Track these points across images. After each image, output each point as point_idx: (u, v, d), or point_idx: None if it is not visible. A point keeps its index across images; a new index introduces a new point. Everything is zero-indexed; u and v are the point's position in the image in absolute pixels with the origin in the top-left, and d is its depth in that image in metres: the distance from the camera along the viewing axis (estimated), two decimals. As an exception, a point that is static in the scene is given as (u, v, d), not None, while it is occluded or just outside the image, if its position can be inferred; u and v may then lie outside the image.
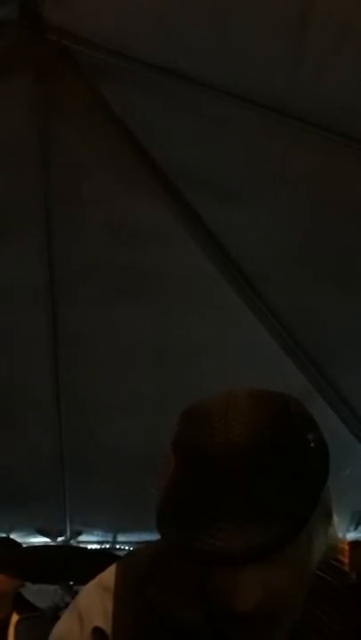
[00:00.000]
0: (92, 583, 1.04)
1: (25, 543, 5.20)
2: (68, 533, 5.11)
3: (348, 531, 4.16)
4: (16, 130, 2.83)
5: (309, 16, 2.14)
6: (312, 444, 0.83)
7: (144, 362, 3.70)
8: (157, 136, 2.83)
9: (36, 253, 3.28)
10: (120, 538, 5.11)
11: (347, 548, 0.95)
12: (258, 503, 0.78)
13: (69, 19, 2.50)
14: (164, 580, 0.93)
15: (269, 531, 0.77)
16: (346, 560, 0.95)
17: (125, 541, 5.16)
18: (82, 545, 5.22)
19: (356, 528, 4.19)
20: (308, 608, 0.89)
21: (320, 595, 0.89)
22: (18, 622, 3.06)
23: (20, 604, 3.19)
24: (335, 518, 0.89)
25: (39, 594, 4.53)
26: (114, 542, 5.13)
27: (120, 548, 5.15)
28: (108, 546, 5.16)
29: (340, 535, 0.92)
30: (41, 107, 2.75)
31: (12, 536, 4.97)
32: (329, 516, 0.88)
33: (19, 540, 5.10)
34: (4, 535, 4.64)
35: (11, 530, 5.02)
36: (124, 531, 5.06)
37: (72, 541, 5.17)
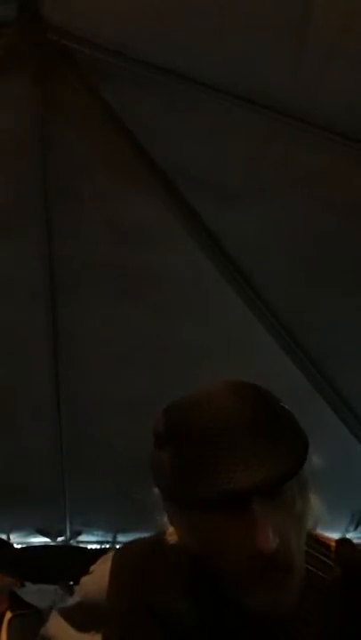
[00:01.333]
0: (85, 579, 1.05)
1: (25, 543, 5.21)
2: (68, 533, 5.11)
3: (348, 531, 4.16)
4: (16, 130, 2.83)
5: (309, 16, 2.14)
6: (287, 407, 0.94)
7: (144, 362, 3.70)
8: (157, 136, 2.83)
9: (36, 253, 3.28)
10: (120, 538, 5.11)
11: (333, 544, 0.99)
12: (256, 446, 0.86)
13: (69, 19, 2.50)
14: (157, 575, 0.95)
15: (272, 468, 0.85)
16: (332, 555, 0.99)
17: (125, 541, 5.16)
18: (82, 545, 5.22)
19: (356, 528, 4.19)
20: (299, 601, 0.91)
21: (307, 585, 0.91)
22: (11, 619, 3.08)
23: (15, 602, 3.21)
24: (314, 501, 0.95)
25: (39, 594, 4.53)
26: (114, 542, 5.13)
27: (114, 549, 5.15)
28: (108, 546, 5.16)
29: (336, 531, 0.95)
30: (41, 107, 2.75)
31: (11, 536, 4.97)
32: (308, 494, 0.94)
33: (18, 539, 5.12)
34: (4, 535, 4.65)
35: (11, 530, 5.02)
36: (124, 531, 5.06)
37: (72, 541, 5.17)
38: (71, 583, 5.35)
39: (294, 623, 0.91)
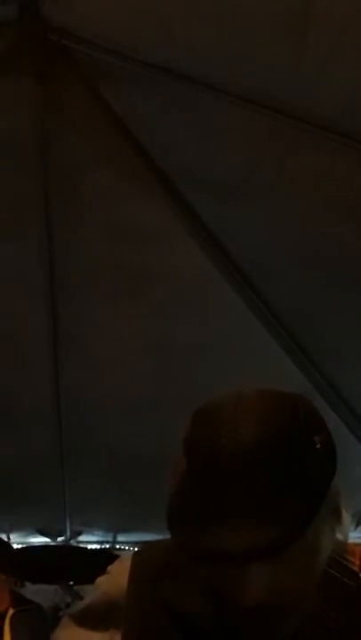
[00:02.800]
0: (102, 578, 1.05)
1: (25, 543, 5.22)
2: (68, 533, 5.11)
3: (349, 530, 4.16)
4: (16, 130, 2.83)
5: (309, 16, 2.14)
6: (318, 446, 0.85)
7: (144, 362, 3.70)
8: (157, 136, 2.83)
9: (36, 253, 3.28)
10: (120, 538, 5.11)
11: (358, 550, 0.97)
12: (262, 503, 0.80)
13: (69, 19, 2.50)
14: (177, 576, 0.95)
15: (273, 530, 0.79)
16: (357, 561, 0.98)
17: (125, 541, 5.17)
18: (82, 545, 5.23)
19: (356, 528, 4.19)
20: (318, 605, 0.91)
21: (329, 592, 0.91)
22: (13, 615, 3.11)
23: (17, 599, 3.24)
24: (345, 516, 0.91)
25: (39, 594, 4.53)
26: (114, 542, 5.14)
27: (120, 548, 5.15)
28: (108, 546, 5.17)
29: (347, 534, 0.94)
30: (41, 107, 2.74)
31: (11, 536, 4.98)
32: (337, 515, 0.90)
33: (18, 539, 5.12)
34: (4, 535, 4.65)
35: (11, 530, 5.02)
36: (124, 531, 5.06)
37: (72, 541, 5.17)
38: (71, 583, 5.36)
39: (314, 627, 0.90)
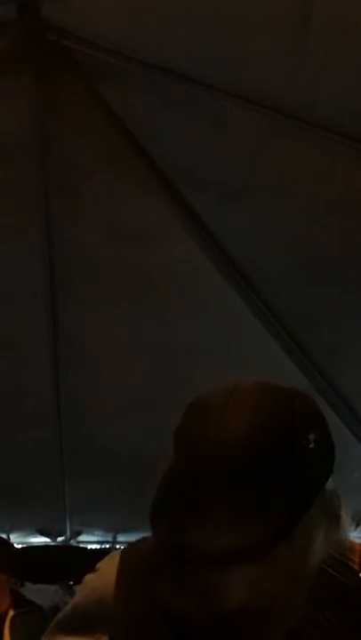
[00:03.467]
0: (90, 576, 1.04)
1: (25, 543, 5.21)
2: (68, 533, 5.11)
3: (349, 532, 4.16)
4: (16, 130, 2.83)
5: (309, 16, 2.14)
6: (311, 445, 0.81)
7: (144, 362, 3.70)
8: (157, 136, 2.83)
9: (36, 253, 3.28)
10: (120, 538, 5.11)
11: (358, 547, 0.95)
12: (243, 502, 0.76)
13: (69, 19, 2.50)
14: (164, 574, 0.93)
15: (253, 533, 0.75)
16: (357, 559, 0.95)
17: (125, 541, 5.16)
18: (82, 545, 5.23)
19: (356, 528, 4.19)
20: (312, 604, 0.88)
21: (326, 591, 0.89)
22: (13, 617, 3.10)
23: (17, 600, 3.23)
24: (345, 517, 0.88)
25: (39, 594, 4.53)
26: (114, 542, 5.13)
27: (120, 548, 5.15)
28: (108, 546, 5.16)
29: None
30: (41, 107, 2.75)
31: (11, 536, 4.97)
32: (333, 517, 0.86)
33: (18, 539, 5.12)
34: (4, 535, 4.65)
35: (11, 530, 5.02)
36: (124, 531, 5.06)
37: (72, 541, 5.17)
38: (71, 583, 5.36)
39: (307, 627, 0.88)
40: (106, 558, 1.05)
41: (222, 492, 0.77)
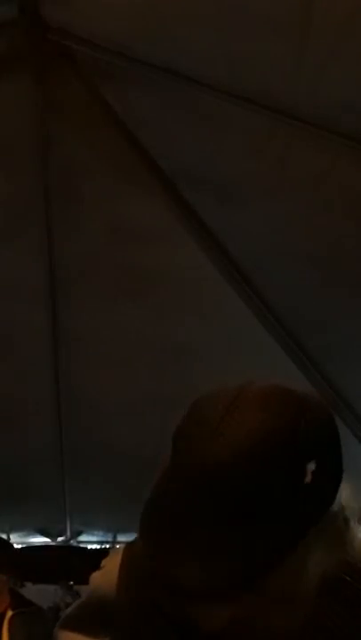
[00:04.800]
0: (95, 574, 1.04)
1: (25, 543, 5.22)
2: (68, 533, 5.12)
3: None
4: (16, 130, 2.83)
5: (309, 16, 2.14)
6: (307, 479, 0.73)
7: (144, 362, 3.70)
8: (157, 136, 2.83)
9: (36, 253, 3.28)
10: (120, 538, 5.12)
11: None
12: (224, 540, 0.71)
13: (69, 19, 2.50)
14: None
15: (234, 571, 0.70)
16: None
17: (125, 541, 5.15)
18: (82, 545, 5.23)
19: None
20: (324, 610, 0.85)
21: (337, 597, 0.85)
22: (12, 617, 3.09)
23: (15, 600, 3.22)
24: (353, 535, 0.81)
25: (39, 594, 4.54)
26: (114, 542, 5.14)
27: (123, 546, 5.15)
28: (108, 546, 5.17)
29: None
30: (41, 107, 2.75)
31: (11, 536, 4.98)
32: (337, 539, 0.80)
33: (18, 539, 5.12)
34: (4, 535, 4.65)
35: (11, 530, 5.03)
36: (124, 531, 5.06)
37: (72, 541, 5.17)
38: (71, 583, 5.37)
39: (312, 630, 0.84)
40: (110, 555, 1.04)
41: (204, 525, 0.71)
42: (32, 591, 4.61)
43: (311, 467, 0.73)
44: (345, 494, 0.80)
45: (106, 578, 1.00)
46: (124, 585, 0.96)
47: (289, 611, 0.79)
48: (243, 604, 0.73)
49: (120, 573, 0.97)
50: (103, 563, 1.05)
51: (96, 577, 1.04)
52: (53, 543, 5.20)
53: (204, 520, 0.71)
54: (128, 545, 1.01)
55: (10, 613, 3.12)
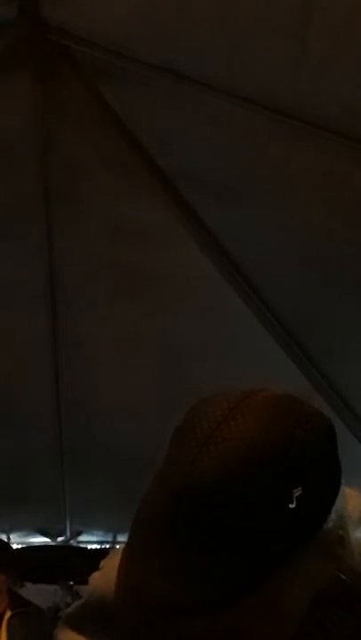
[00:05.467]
0: (95, 574, 1.04)
1: (25, 543, 5.22)
2: (68, 533, 5.12)
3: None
4: (16, 130, 2.83)
5: (309, 16, 2.14)
6: (292, 505, 0.70)
7: (144, 362, 3.70)
8: (157, 136, 2.83)
9: (36, 253, 3.28)
10: (120, 538, 5.11)
11: None
12: (195, 559, 0.69)
13: (69, 19, 2.50)
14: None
15: (201, 592, 0.69)
16: None
17: (125, 542, 5.15)
18: (82, 545, 5.23)
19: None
20: (318, 622, 0.84)
21: (332, 609, 0.84)
22: (10, 618, 3.08)
23: (14, 600, 3.22)
24: (348, 553, 0.79)
25: (39, 594, 4.53)
26: (114, 542, 5.14)
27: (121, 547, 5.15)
28: (108, 546, 5.17)
29: None
30: (41, 107, 2.75)
31: (11, 536, 4.98)
32: (330, 552, 0.77)
33: (18, 539, 5.12)
34: (4, 535, 4.65)
35: (11, 530, 5.03)
36: (124, 531, 5.02)
37: (72, 541, 5.17)
38: (71, 583, 5.36)
39: (312, 632, 0.84)
40: (109, 555, 1.04)
41: (177, 542, 0.69)
42: (32, 591, 4.60)
43: (297, 492, 0.70)
44: (346, 503, 0.78)
45: (105, 578, 1.00)
46: (122, 585, 0.96)
47: (276, 621, 0.76)
48: (218, 618, 0.71)
49: (118, 574, 0.97)
50: (102, 563, 1.05)
51: (95, 578, 1.04)
52: (53, 543, 5.20)
53: (178, 536, 0.69)
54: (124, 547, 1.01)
55: (9, 614, 3.11)
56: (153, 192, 3.00)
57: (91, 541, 5.25)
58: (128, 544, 0.77)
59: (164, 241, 3.19)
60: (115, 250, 3.24)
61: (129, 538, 0.77)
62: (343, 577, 0.81)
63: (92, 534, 5.20)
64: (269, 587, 0.70)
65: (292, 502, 0.70)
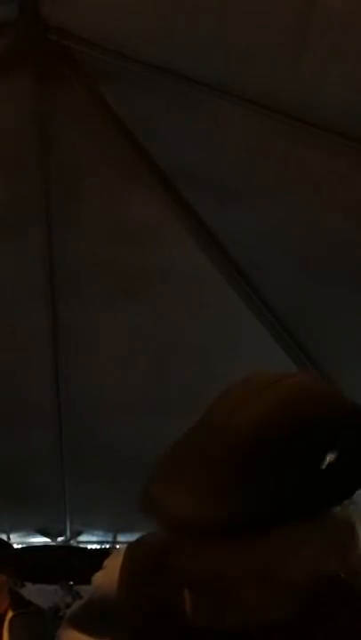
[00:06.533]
0: (98, 574, 1.04)
1: (25, 543, 5.22)
2: (68, 533, 5.12)
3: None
4: (16, 130, 2.83)
5: (309, 16, 2.14)
6: (323, 465, 0.77)
7: (144, 362, 3.70)
8: (157, 136, 2.83)
9: (36, 253, 3.28)
10: (120, 538, 5.12)
11: None
12: (219, 481, 0.77)
13: (69, 19, 2.50)
14: (169, 570, 0.92)
15: (218, 511, 0.76)
16: None
17: (125, 541, 5.16)
18: (82, 545, 5.23)
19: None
20: (324, 611, 0.85)
21: (340, 599, 0.85)
22: (12, 618, 3.09)
23: (16, 600, 3.22)
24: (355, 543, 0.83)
25: (39, 594, 4.54)
26: (114, 542, 5.14)
27: (123, 546, 5.15)
28: (108, 546, 5.17)
29: None
30: (41, 107, 2.74)
31: (11, 536, 4.98)
32: (336, 539, 0.83)
33: (18, 539, 5.12)
34: (4, 535, 4.65)
35: (11, 530, 5.03)
36: (124, 531, 5.06)
37: (72, 541, 5.17)
38: (71, 583, 5.37)
39: (313, 630, 0.85)
40: (112, 555, 1.05)
41: (206, 463, 0.78)
42: (32, 591, 4.61)
43: (331, 456, 0.77)
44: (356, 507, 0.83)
45: (108, 578, 1.01)
46: (126, 584, 0.96)
47: (266, 589, 0.81)
48: (236, 547, 0.78)
49: (121, 573, 0.98)
50: (105, 563, 1.05)
51: (98, 577, 1.05)
52: (53, 543, 5.21)
53: (208, 459, 0.78)
54: (129, 545, 1.02)
55: (10, 614, 3.12)
56: (153, 192, 3.00)
57: (91, 541, 5.25)
58: (156, 473, 0.83)
59: (164, 240, 3.19)
60: (115, 249, 3.24)
61: (155, 471, 0.84)
62: (342, 576, 0.83)
63: (92, 534, 5.20)
64: (271, 545, 0.78)
65: (324, 463, 0.77)
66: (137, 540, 1.06)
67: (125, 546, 1.04)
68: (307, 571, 0.83)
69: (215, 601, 0.83)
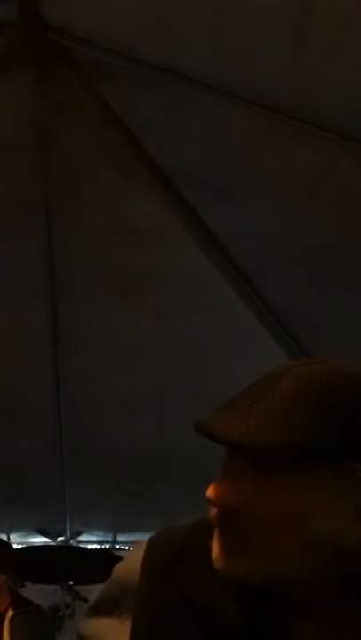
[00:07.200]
0: (118, 564, 1.04)
1: (25, 543, 5.22)
2: (68, 533, 5.12)
3: None
4: (16, 130, 2.83)
5: (309, 16, 2.14)
6: None
7: (144, 362, 3.70)
8: (157, 136, 2.83)
9: (36, 253, 3.28)
10: (120, 538, 5.12)
11: None
12: (276, 412, 0.82)
13: (69, 19, 2.50)
14: (193, 562, 0.92)
15: (272, 437, 0.79)
16: None
17: (125, 541, 5.17)
18: (82, 545, 5.23)
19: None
20: (346, 600, 0.85)
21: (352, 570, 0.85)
22: (13, 617, 3.10)
23: (16, 600, 3.23)
24: None
25: (39, 594, 4.54)
26: (114, 542, 5.14)
27: (120, 548, 5.16)
28: (108, 546, 5.17)
29: None
30: (41, 107, 2.75)
31: (11, 536, 4.98)
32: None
33: (18, 539, 5.12)
34: (4, 535, 4.66)
35: (11, 530, 5.03)
36: (124, 531, 5.06)
37: (72, 541, 5.18)
38: (71, 583, 5.36)
39: (340, 630, 0.85)
40: (133, 547, 1.05)
41: (269, 402, 0.83)
42: (32, 591, 4.61)
43: None
44: None
45: (127, 567, 1.01)
46: (148, 573, 0.96)
47: (285, 543, 0.82)
48: (281, 474, 0.81)
49: (143, 562, 0.97)
50: (126, 554, 1.06)
51: (119, 567, 1.05)
52: (53, 543, 5.21)
53: (271, 393, 0.85)
54: (152, 537, 1.02)
55: (11, 613, 3.13)
56: (153, 192, 3.00)
57: (91, 541, 5.25)
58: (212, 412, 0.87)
59: (165, 241, 3.19)
60: (115, 250, 3.24)
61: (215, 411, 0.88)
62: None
63: (92, 534, 5.20)
64: (299, 492, 0.81)
65: None
66: (160, 531, 1.05)
67: (148, 538, 1.03)
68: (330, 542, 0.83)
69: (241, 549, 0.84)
